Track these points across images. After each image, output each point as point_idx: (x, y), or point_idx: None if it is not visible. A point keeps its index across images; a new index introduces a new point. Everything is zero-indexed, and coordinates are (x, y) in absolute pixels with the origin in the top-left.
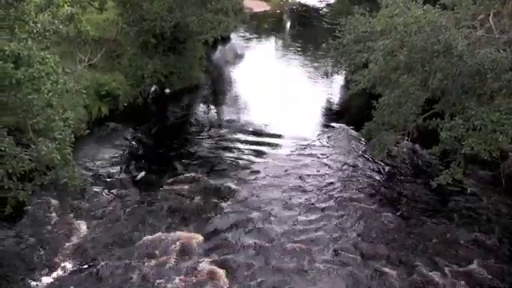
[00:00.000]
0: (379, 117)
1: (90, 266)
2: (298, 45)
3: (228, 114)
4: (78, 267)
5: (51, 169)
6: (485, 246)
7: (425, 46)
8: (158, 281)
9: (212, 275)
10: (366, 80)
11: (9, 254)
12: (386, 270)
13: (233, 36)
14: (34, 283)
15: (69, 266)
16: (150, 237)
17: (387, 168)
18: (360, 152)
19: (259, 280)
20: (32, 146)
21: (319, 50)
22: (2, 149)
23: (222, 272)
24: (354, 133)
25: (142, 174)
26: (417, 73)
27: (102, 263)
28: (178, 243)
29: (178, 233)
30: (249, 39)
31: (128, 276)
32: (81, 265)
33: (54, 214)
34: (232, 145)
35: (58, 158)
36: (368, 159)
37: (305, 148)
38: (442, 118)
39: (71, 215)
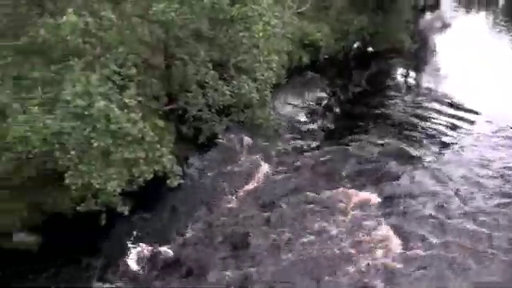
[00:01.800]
0: None
1: (265, 208)
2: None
3: (427, 82)
4: (254, 205)
5: (248, 107)
6: None
7: None
8: (329, 236)
9: (384, 239)
10: None
11: (194, 179)
12: None
13: (442, 3)
14: (207, 209)
15: (246, 203)
16: (327, 191)
17: None
18: None
19: (431, 253)
20: (233, 82)
21: None
22: (206, 81)
23: (395, 238)
24: None
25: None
26: None
27: (277, 207)
28: (354, 202)
29: (357, 191)
30: (456, 8)
31: (298, 226)
32: (257, 204)
33: (243, 151)
34: (427, 114)
35: (257, 98)
36: None
37: (503, 130)
38: None
39: (258, 155)
